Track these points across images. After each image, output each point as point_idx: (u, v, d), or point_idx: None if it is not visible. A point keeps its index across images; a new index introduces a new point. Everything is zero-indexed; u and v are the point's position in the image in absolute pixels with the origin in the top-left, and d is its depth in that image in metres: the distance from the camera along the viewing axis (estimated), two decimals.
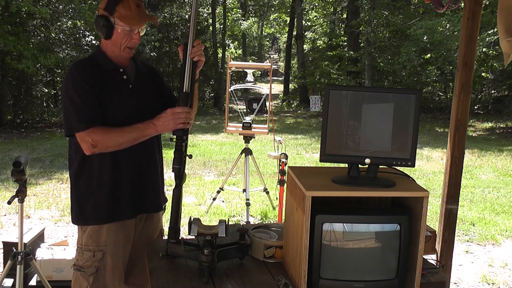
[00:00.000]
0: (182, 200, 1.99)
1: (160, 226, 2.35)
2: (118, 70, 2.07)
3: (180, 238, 1.95)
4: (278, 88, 26.79)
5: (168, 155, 7.86)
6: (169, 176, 6.35)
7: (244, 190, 5.26)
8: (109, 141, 1.97)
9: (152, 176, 2.19)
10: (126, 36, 2.01)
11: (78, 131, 1.96)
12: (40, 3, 12.15)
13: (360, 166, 1.84)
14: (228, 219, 3.23)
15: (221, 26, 22.80)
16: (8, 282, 3.20)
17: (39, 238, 3.65)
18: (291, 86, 25.12)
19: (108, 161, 2.04)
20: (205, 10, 20.92)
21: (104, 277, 2.07)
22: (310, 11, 24.39)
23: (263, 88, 5.94)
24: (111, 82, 2.04)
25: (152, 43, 14.96)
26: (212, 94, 20.43)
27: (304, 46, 23.71)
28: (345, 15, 21.48)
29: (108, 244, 2.06)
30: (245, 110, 5.72)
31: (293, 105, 21.40)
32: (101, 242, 2.06)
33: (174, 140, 1.95)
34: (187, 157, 1.98)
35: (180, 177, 1.95)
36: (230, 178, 6.69)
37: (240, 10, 28.06)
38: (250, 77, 5.49)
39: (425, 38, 14.10)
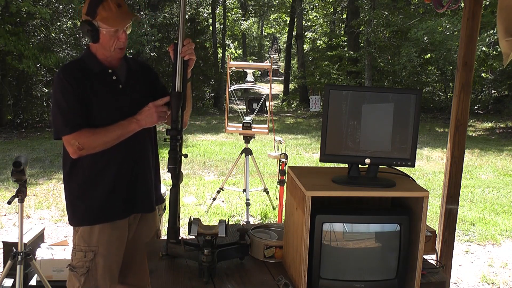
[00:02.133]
0: (180, 199, 1.99)
1: (156, 226, 2.34)
2: (107, 71, 2.07)
3: (180, 238, 1.95)
4: (278, 88, 26.78)
5: (167, 155, 7.84)
6: (168, 176, 6.34)
7: (244, 190, 5.26)
8: (95, 142, 1.99)
9: (145, 176, 2.18)
10: (112, 37, 2.01)
11: (64, 135, 1.98)
12: (40, 3, 12.14)
13: (360, 166, 1.84)
14: (228, 219, 3.23)
15: (221, 26, 22.79)
16: (8, 282, 3.20)
17: (39, 238, 3.65)
18: (291, 86, 25.11)
19: (100, 162, 2.05)
20: (205, 10, 20.91)
21: (95, 277, 2.07)
22: (310, 11, 24.38)
23: (263, 88, 5.94)
24: (99, 84, 2.04)
25: (152, 43, 14.95)
26: (212, 94, 20.42)
27: (304, 46, 23.70)
28: (345, 15, 21.48)
29: (100, 245, 2.06)
30: (245, 110, 5.72)
31: (293, 105, 21.40)
32: (92, 243, 2.06)
33: (168, 140, 1.96)
34: (182, 157, 1.98)
35: (176, 176, 1.95)
36: (230, 178, 6.69)
37: (240, 10, 28.06)
38: (250, 77, 5.48)
39: (425, 39, 14.09)
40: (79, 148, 1.97)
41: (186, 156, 1.99)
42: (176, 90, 1.98)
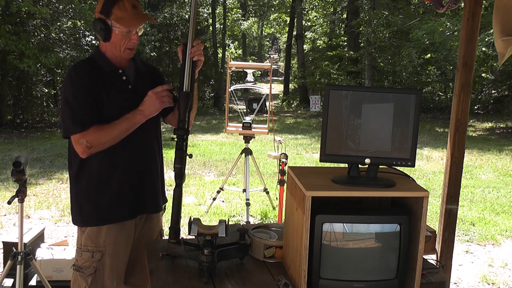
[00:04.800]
0: (182, 200, 1.99)
1: (160, 226, 2.35)
2: (117, 71, 2.07)
3: (180, 238, 1.95)
4: (278, 88, 26.78)
5: (169, 155, 7.86)
6: (169, 176, 6.35)
7: (244, 190, 5.26)
8: (102, 138, 1.98)
9: (152, 177, 2.19)
10: (124, 37, 2.01)
11: (74, 134, 1.98)
12: (40, 3, 12.15)
13: (360, 166, 1.84)
14: (228, 219, 3.23)
15: (221, 26, 22.80)
16: (8, 282, 3.20)
17: (39, 238, 3.65)
18: (291, 86, 25.12)
19: (107, 162, 2.05)
20: (205, 10, 20.92)
21: (102, 277, 2.07)
22: (310, 11, 24.39)
23: (263, 88, 5.94)
24: (110, 83, 2.04)
25: (152, 43, 14.96)
26: (212, 94, 20.43)
27: (304, 46, 23.70)
28: (345, 15, 21.48)
29: (107, 245, 2.06)
30: (245, 110, 5.72)
31: (293, 105, 21.40)
32: (100, 243, 2.06)
33: (175, 139, 1.96)
34: (187, 157, 1.98)
35: (180, 176, 1.95)
36: (230, 178, 6.69)
37: (240, 10, 28.05)
38: (250, 77, 5.49)
39: (426, 41, 14.09)
40: (87, 147, 1.96)
41: (191, 156, 1.99)
42: (184, 90, 1.99)
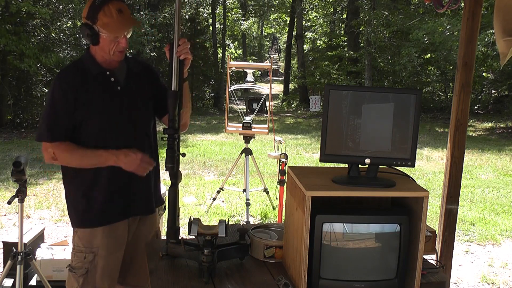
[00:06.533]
0: (179, 199, 1.99)
1: (155, 227, 2.34)
2: (105, 73, 2.06)
3: (180, 238, 1.95)
4: (278, 88, 26.76)
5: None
6: (168, 175, 6.34)
7: (244, 190, 5.26)
8: (69, 159, 2.03)
9: (144, 179, 2.17)
10: (112, 41, 2.00)
11: (44, 141, 2.03)
12: (40, 3, 12.16)
13: (360, 166, 1.84)
14: (228, 219, 3.23)
15: (221, 26, 22.79)
16: (8, 282, 3.21)
17: (39, 238, 3.65)
18: (291, 86, 25.11)
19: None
20: (205, 10, 20.91)
21: (94, 278, 2.07)
22: (310, 11, 24.38)
23: (263, 88, 5.94)
24: (97, 86, 2.03)
25: (152, 43, 14.95)
26: (212, 94, 20.42)
27: (304, 46, 23.69)
28: (345, 15, 21.48)
29: (100, 247, 2.06)
30: (245, 110, 5.72)
31: (293, 105, 21.39)
32: (92, 244, 2.07)
33: (165, 139, 1.96)
34: (180, 156, 1.98)
35: (175, 175, 1.95)
36: (230, 178, 6.69)
37: (240, 10, 28.05)
38: (250, 77, 5.49)
39: (426, 41, 14.08)
40: (53, 158, 2.02)
41: (184, 155, 1.99)
42: (173, 89, 1.98)
